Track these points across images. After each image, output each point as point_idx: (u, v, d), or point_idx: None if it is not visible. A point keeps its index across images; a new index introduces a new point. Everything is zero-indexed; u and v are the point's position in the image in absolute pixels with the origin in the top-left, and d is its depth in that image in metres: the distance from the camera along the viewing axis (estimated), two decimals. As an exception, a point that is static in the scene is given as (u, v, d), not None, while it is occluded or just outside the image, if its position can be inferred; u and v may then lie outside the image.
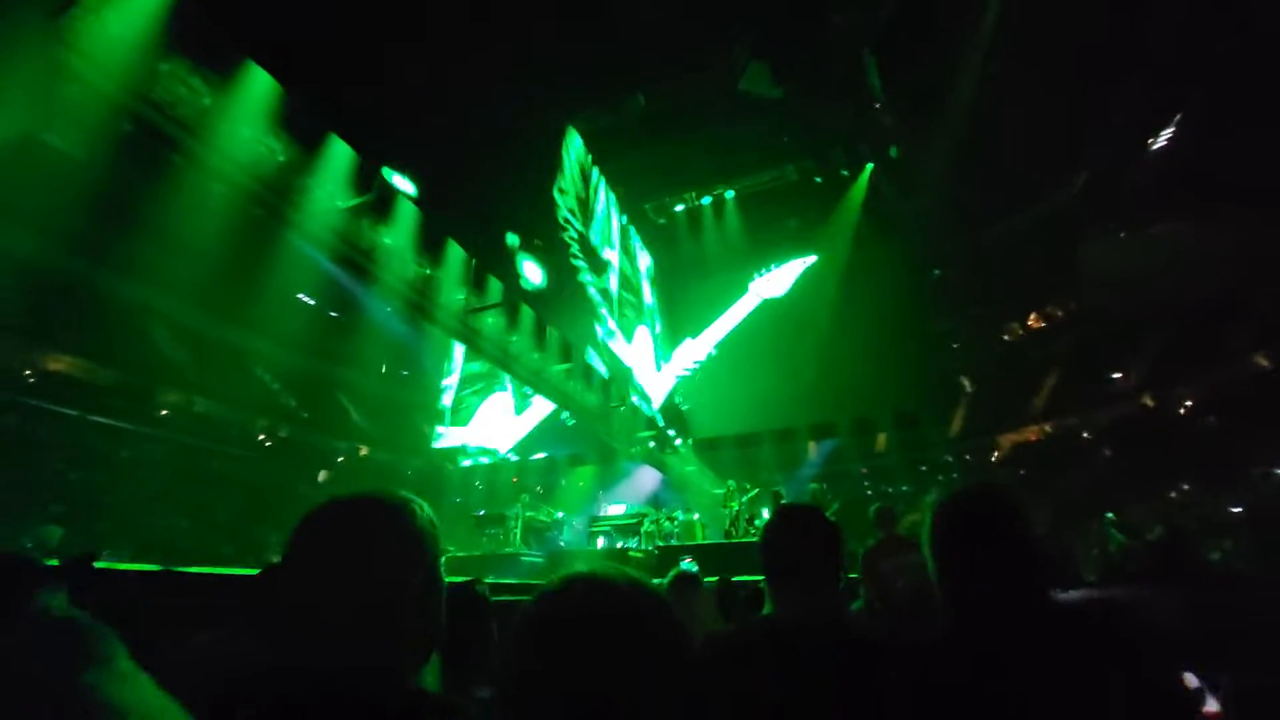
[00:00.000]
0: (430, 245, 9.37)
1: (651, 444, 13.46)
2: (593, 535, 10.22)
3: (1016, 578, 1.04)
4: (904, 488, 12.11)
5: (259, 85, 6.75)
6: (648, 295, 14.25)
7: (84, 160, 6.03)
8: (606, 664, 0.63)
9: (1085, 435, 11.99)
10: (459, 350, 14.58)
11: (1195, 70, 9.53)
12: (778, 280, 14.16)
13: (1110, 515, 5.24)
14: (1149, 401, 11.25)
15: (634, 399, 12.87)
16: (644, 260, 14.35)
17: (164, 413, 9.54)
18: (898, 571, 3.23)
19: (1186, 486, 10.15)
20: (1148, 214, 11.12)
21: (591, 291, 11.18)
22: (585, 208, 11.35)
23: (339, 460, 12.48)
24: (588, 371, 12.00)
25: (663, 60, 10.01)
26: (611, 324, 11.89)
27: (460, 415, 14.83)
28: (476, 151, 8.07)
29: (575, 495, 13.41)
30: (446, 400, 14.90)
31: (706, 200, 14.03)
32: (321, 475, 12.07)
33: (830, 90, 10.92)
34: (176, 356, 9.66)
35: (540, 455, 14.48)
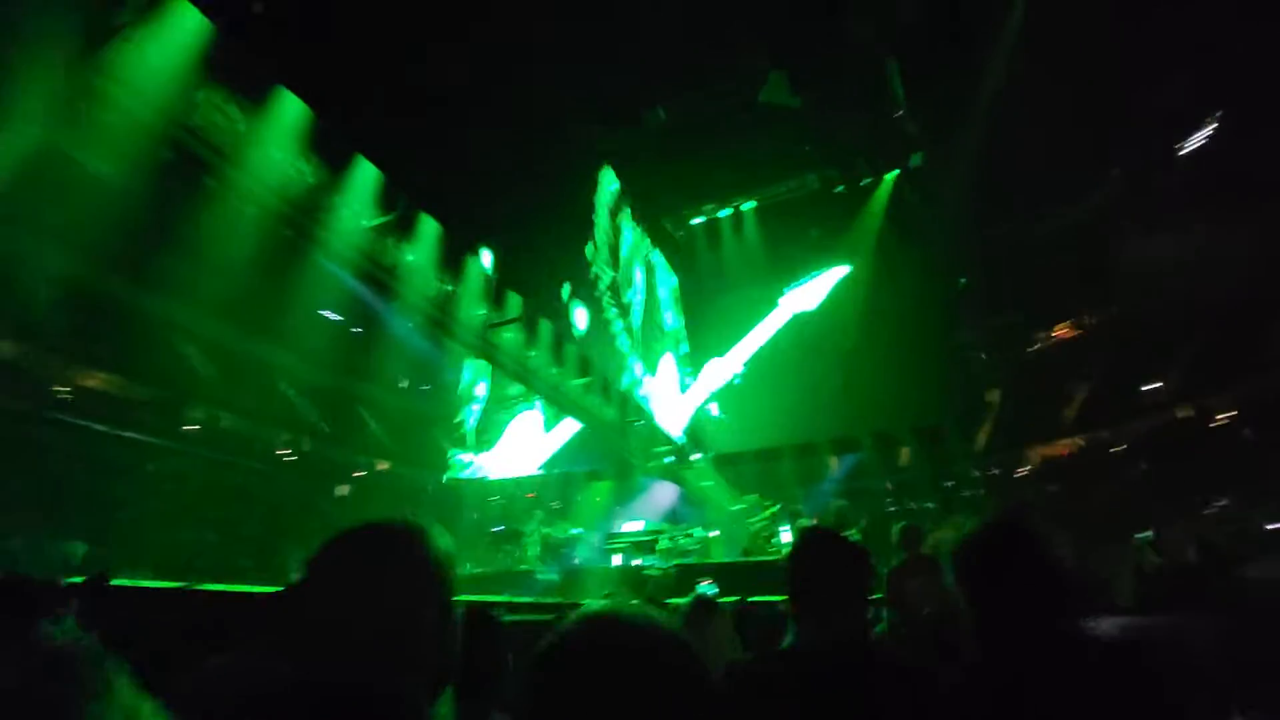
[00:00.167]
0: (451, 262, 9.56)
1: (669, 459, 13.37)
2: (609, 552, 10.14)
3: (1044, 610, 1.02)
4: (929, 504, 11.79)
5: (290, 110, 7.01)
6: (670, 319, 14.28)
7: (122, 183, 6.30)
8: (622, 706, 0.61)
9: (1117, 448, 11.57)
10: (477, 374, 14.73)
11: (1229, 66, 9.28)
12: (810, 293, 13.87)
13: (1144, 535, 5.02)
14: (1184, 413, 10.84)
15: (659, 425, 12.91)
16: (668, 283, 14.42)
17: (191, 427, 9.78)
18: (924, 594, 3.13)
19: (1224, 501, 9.72)
20: (1180, 218, 10.81)
21: (621, 340, 11.67)
22: (615, 253, 11.87)
23: (359, 475, 12.64)
24: (605, 386, 12.02)
25: (682, 73, 10.13)
26: (638, 368, 12.16)
27: (487, 437, 14.88)
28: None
29: (591, 511, 13.34)
30: (471, 423, 14.94)
31: (726, 213, 14.06)
32: (342, 490, 12.22)
33: (851, 99, 10.91)
34: (205, 372, 9.93)
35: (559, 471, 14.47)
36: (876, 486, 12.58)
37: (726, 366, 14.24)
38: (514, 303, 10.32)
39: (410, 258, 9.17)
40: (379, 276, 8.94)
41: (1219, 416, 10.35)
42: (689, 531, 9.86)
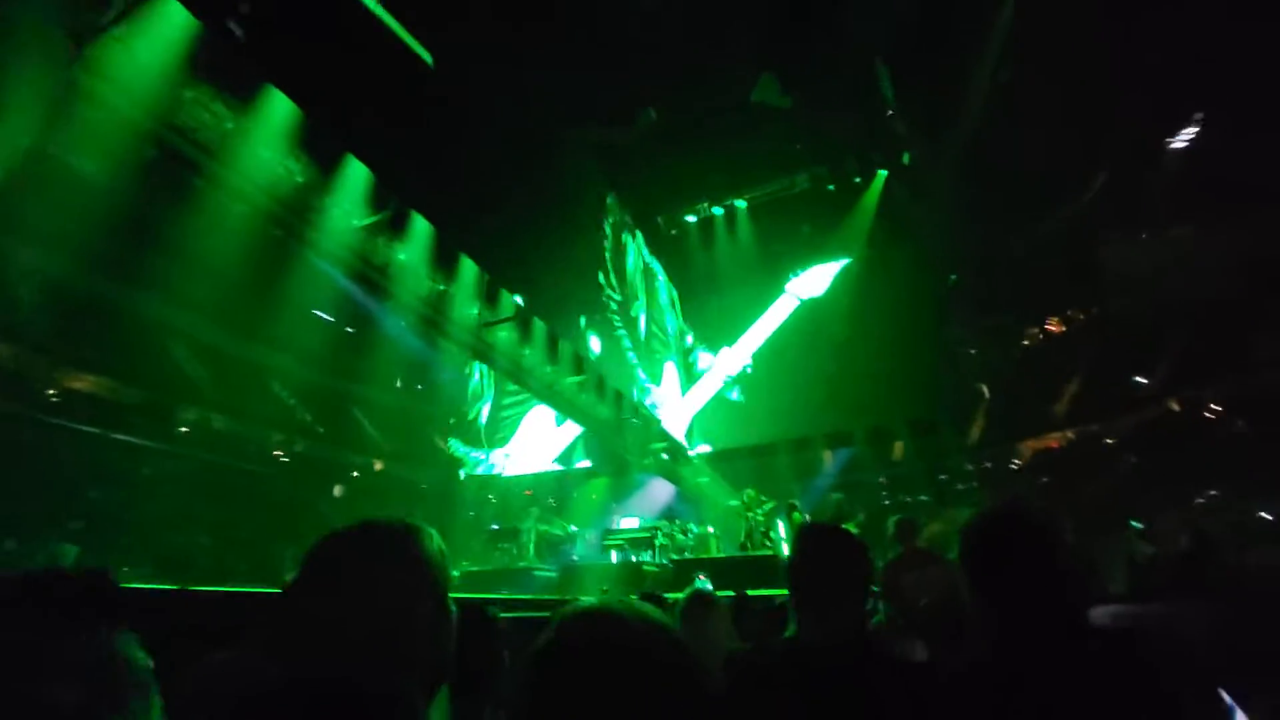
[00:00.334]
0: (443, 261, 9.51)
1: (664, 455, 13.39)
2: (606, 549, 10.15)
3: (1052, 600, 1.02)
4: (923, 497, 11.87)
5: (279, 108, 6.93)
6: (670, 325, 14.41)
7: (109, 183, 6.22)
8: (616, 702, 0.61)
9: (1109, 441, 11.69)
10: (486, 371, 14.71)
11: (1215, 68, 9.38)
12: (813, 281, 13.90)
13: (1136, 524, 5.09)
14: (1175, 406, 10.96)
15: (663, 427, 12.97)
16: (667, 290, 14.53)
17: (184, 430, 9.70)
18: (921, 587, 3.15)
19: (1215, 493, 9.84)
20: (1169, 215, 10.92)
21: (629, 354, 12.10)
22: (620, 272, 12.29)
23: (354, 475, 12.58)
24: (600, 384, 12.02)
25: (674, 73, 10.12)
26: (643, 376, 12.44)
27: (500, 433, 14.86)
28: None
29: (588, 508, 13.35)
30: (483, 419, 14.94)
31: (718, 210, 14.07)
32: (337, 490, 12.16)
33: (841, 98, 10.95)
34: (196, 374, 9.84)
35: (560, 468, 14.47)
36: (871, 481, 12.66)
37: (736, 357, 14.20)
38: (507, 302, 10.28)
39: (402, 256, 9.11)
40: (371, 276, 8.88)
41: (1208, 410, 10.47)
42: (686, 527, 9.87)
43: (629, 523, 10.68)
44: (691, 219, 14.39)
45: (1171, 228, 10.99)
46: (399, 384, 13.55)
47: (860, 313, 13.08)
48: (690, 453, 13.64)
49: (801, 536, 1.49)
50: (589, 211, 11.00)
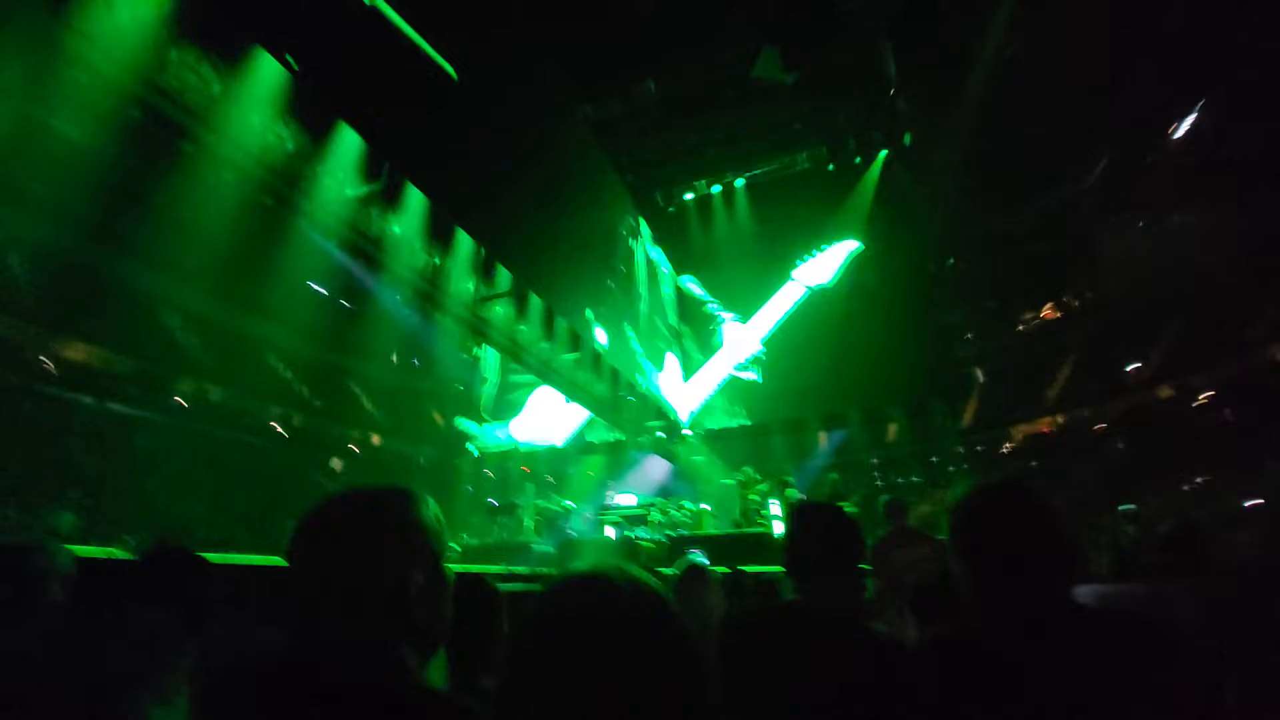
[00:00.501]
0: (439, 234, 9.39)
1: (660, 433, 13.47)
2: (602, 525, 10.29)
3: (1047, 577, 1.01)
4: (915, 478, 12.03)
5: (267, 72, 6.73)
6: (672, 315, 14.50)
7: (95, 147, 6.06)
8: (608, 665, 0.62)
9: (1099, 427, 11.82)
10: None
11: (1218, 54, 9.24)
12: (821, 267, 13.70)
13: (1125, 507, 5.17)
14: (1164, 393, 11.06)
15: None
16: (669, 279, 14.54)
17: (180, 401, 9.67)
18: (909, 565, 3.21)
19: (1201, 480, 10.00)
20: (1166, 202, 10.86)
21: (634, 343, 12.54)
22: (629, 268, 12.82)
23: (351, 448, 12.62)
24: (596, 360, 12.01)
25: (673, 47, 9.87)
26: (647, 364, 12.85)
27: (508, 410, 14.94)
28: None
29: (584, 485, 13.48)
30: (489, 394, 15.01)
31: (717, 188, 13.89)
32: (335, 463, 12.22)
33: (843, 76, 10.72)
34: (191, 344, 9.77)
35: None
36: (864, 461, 12.80)
37: (744, 341, 14.19)
38: (503, 276, 10.19)
39: (397, 229, 8.98)
40: (365, 248, 8.76)
41: (1199, 397, 10.57)
42: (681, 504, 9.99)
43: (625, 499, 10.79)
44: (689, 196, 14.20)
45: (1169, 214, 10.94)
46: (395, 359, 13.51)
47: (857, 294, 13.04)
48: (685, 431, 13.72)
49: (799, 512, 1.52)
50: (587, 187, 10.87)
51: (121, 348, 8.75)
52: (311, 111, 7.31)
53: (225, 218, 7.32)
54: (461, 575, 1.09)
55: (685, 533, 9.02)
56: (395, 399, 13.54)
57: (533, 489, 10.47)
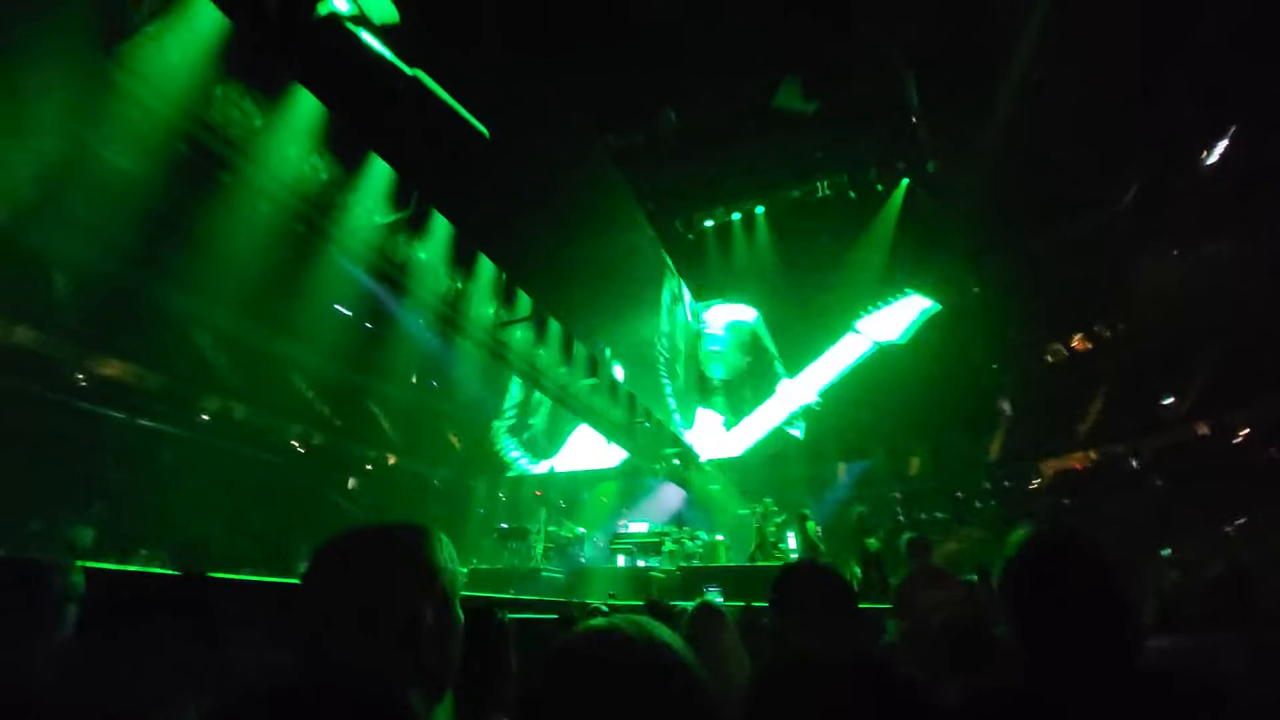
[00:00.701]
0: (462, 260, 9.60)
1: (676, 461, 13.32)
2: (614, 553, 10.11)
3: (1102, 635, 0.94)
4: (939, 514, 11.63)
5: (305, 106, 7.06)
6: (715, 370, 14.80)
7: (143, 177, 6.38)
8: (618, 712, 0.59)
9: (1134, 463, 11.34)
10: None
11: (1252, 76, 9.09)
12: (888, 322, 13.30)
13: (1165, 552, 4.91)
14: (1203, 429, 10.60)
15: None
16: (715, 340, 14.93)
17: (205, 418, 9.90)
18: (935, 606, 3.06)
19: (1244, 520, 9.48)
20: (1200, 230, 10.59)
21: (671, 400, 13.12)
22: (672, 330, 13.33)
23: (368, 468, 12.72)
24: (613, 387, 12.02)
25: (695, 77, 10.09)
26: (678, 419, 13.27)
27: (552, 444, 15.13)
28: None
29: (597, 511, 13.33)
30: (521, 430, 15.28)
31: (737, 216, 14.01)
32: (351, 482, 12.31)
33: (865, 104, 10.81)
34: (219, 364, 10.04)
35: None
36: (885, 495, 12.45)
37: (798, 390, 13.89)
38: (524, 302, 10.34)
39: (422, 255, 9.21)
40: (390, 273, 8.99)
41: (1238, 433, 10.12)
42: (695, 534, 9.79)
43: (638, 527, 10.63)
44: (709, 224, 14.34)
45: (1204, 240, 10.66)
46: (414, 380, 13.69)
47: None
48: (702, 459, 13.55)
49: (782, 577, 1.51)
50: (608, 214, 11.09)
51: (154, 365, 9.04)
52: (345, 142, 7.63)
53: (259, 244, 7.60)
54: (469, 608, 1.07)
55: (699, 564, 8.82)
56: (413, 420, 13.68)
57: (544, 514, 10.38)
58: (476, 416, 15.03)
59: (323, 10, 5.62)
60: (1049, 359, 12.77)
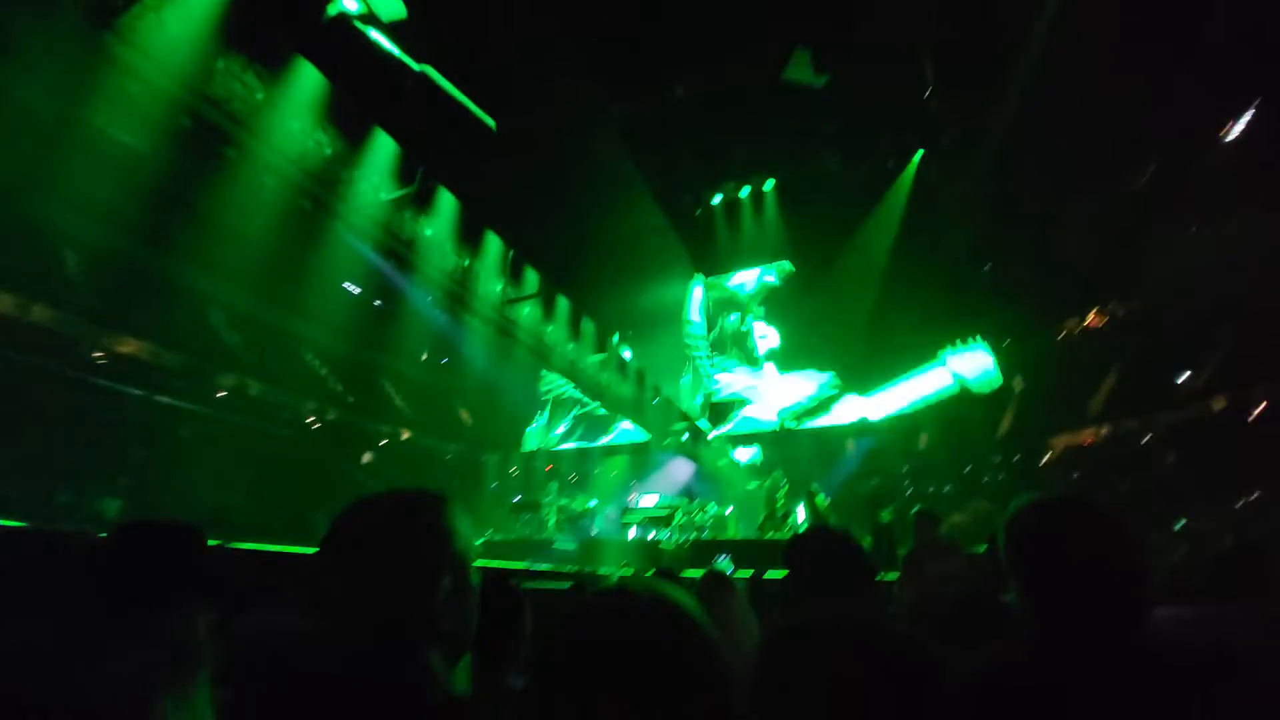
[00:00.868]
0: (469, 237, 9.56)
1: (685, 436, 13.41)
2: (625, 525, 10.28)
3: (1114, 602, 0.93)
4: (947, 488, 11.67)
5: (308, 80, 6.97)
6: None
7: (148, 153, 6.36)
8: (631, 674, 0.60)
9: (1147, 439, 11.25)
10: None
11: (1271, 55, 8.70)
12: (975, 363, 12.64)
13: (1180, 524, 4.90)
14: (1218, 405, 10.46)
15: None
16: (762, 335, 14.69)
17: (222, 394, 10.07)
18: (944, 578, 3.08)
19: (1257, 495, 9.42)
20: (1219, 206, 10.27)
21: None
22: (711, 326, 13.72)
23: (382, 443, 12.93)
24: (622, 363, 12.04)
25: (702, 50, 9.82)
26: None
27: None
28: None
29: (608, 484, 13.51)
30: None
31: (745, 191, 13.77)
32: (366, 457, 12.54)
33: (876, 77, 10.49)
34: (233, 341, 10.16)
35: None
36: (894, 470, 12.48)
37: (867, 410, 13.27)
38: (531, 278, 10.32)
39: (429, 231, 9.18)
40: (398, 250, 8.99)
41: (1253, 409, 9.97)
42: (704, 507, 9.92)
43: (648, 500, 10.77)
44: (717, 200, 14.11)
45: (1221, 217, 10.35)
46: (425, 357, 13.79)
47: (891, 298, 12.74)
48: (710, 435, 13.62)
49: (792, 545, 1.53)
50: (615, 189, 10.96)
51: (169, 343, 9.16)
52: (349, 117, 7.54)
53: (266, 221, 7.60)
54: (486, 573, 1.08)
55: (708, 536, 8.94)
56: (424, 396, 13.83)
57: (556, 487, 10.54)
58: (486, 393, 15.15)
59: (332, 11, 5.57)
60: (1062, 335, 12.59)
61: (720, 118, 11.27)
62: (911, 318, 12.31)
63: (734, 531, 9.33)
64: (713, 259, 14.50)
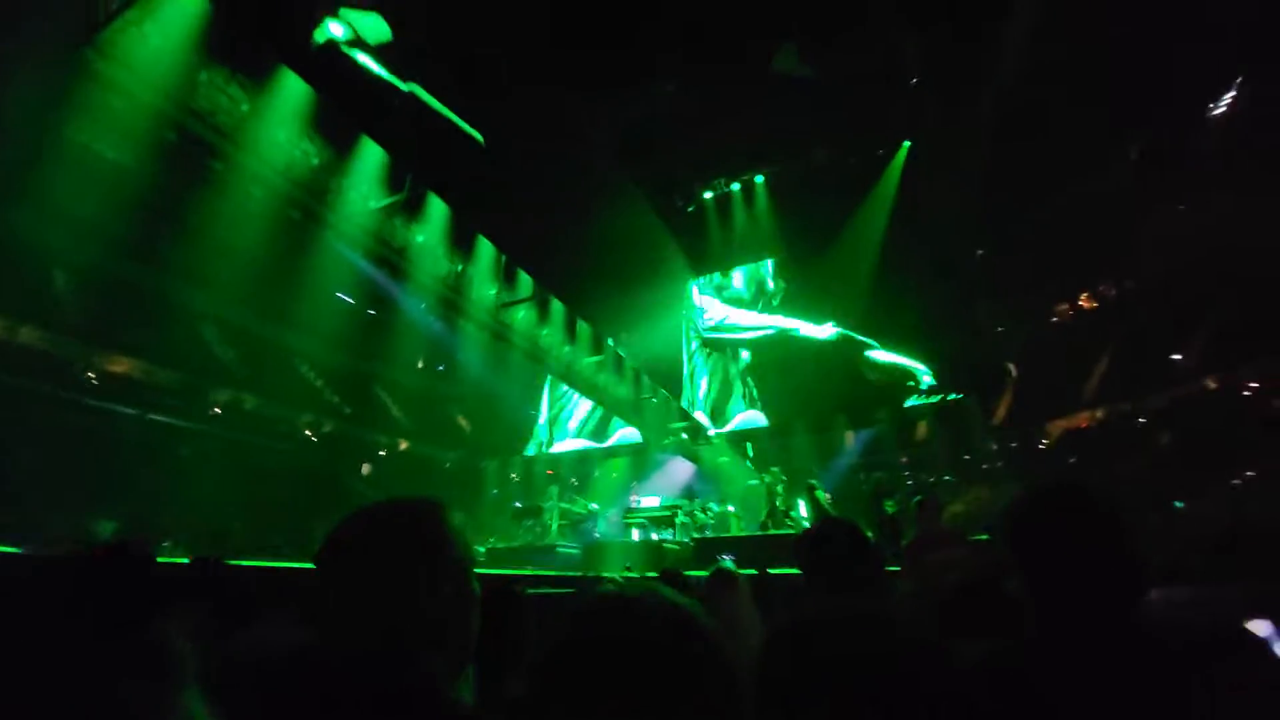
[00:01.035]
0: (461, 242, 9.53)
1: (684, 435, 13.41)
2: (627, 527, 10.27)
3: (1111, 591, 0.94)
4: (946, 477, 11.72)
5: (292, 89, 6.93)
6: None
7: (133, 168, 6.31)
8: (634, 678, 0.60)
9: (1142, 421, 11.33)
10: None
11: (1259, 28, 8.77)
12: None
13: (1179, 505, 4.94)
14: (1211, 384, 10.54)
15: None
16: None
17: (217, 410, 10.00)
18: (945, 566, 3.10)
19: (1252, 474, 9.49)
20: (1208, 185, 10.35)
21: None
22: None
23: (381, 454, 12.88)
24: (619, 363, 12.03)
25: (692, 44, 9.81)
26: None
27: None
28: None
29: (609, 487, 13.49)
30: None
31: (736, 186, 13.79)
32: (365, 468, 12.48)
33: (864, 68, 10.52)
34: (226, 356, 10.10)
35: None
36: (893, 460, 12.52)
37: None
38: (524, 282, 10.29)
39: (420, 238, 9.15)
40: (389, 258, 8.94)
41: (1247, 387, 10.05)
42: (706, 506, 9.92)
43: (649, 501, 10.77)
44: (709, 195, 14.12)
45: (1212, 196, 10.43)
46: (420, 365, 13.74)
47: (884, 288, 12.77)
48: (710, 433, 13.63)
49: (805, 537, 1.53)
50: (606, 189, 10.94)
51: (162, 361, 9.09)
52: (335, 126, 7.51)
53: (255, 233, 7.55)
54: (488, 583, 1.08)
55: (711, 534, 8.95)
56: (420, 405, 13.78)
57: (557, 491, 10.52)
58: (484, 399, 15.11)
59: (320, 38, 5.56)
60: (1055, 319, 12.66)
61: (709, 114, 11.27)
62: (906, 313, 12.35)
63: (736, 529, 9.34)
64: (706, 256, 14.53)
